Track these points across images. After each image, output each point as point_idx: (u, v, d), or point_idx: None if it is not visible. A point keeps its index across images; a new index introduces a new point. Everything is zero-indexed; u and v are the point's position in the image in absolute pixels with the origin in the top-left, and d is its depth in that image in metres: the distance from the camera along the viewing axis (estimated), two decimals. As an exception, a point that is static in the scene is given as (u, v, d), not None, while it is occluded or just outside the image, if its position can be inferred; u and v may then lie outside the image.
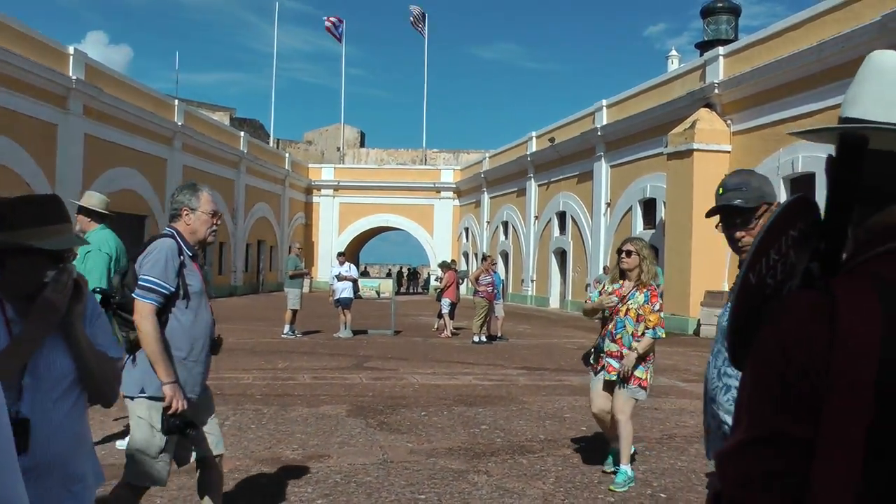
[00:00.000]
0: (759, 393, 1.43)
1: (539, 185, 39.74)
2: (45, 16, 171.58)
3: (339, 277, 21.26)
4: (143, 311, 4.50)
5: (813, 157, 20.04)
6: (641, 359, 7.19)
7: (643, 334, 7.20)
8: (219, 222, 4.96)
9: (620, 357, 7.18)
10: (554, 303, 37.85)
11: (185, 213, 4.79)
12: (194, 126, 37.35)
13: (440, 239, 54.25)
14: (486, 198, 48.31)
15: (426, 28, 62.34)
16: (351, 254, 55.46)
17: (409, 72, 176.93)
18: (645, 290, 7.31)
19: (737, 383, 1.60)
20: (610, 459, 7.60)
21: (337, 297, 21.19)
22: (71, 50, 27.40)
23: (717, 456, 1.47)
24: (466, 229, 52.81)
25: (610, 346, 7.26)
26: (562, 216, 36.77)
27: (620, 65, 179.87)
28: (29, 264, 2.87)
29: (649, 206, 28.54)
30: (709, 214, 3.76)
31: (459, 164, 57.38)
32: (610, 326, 7.31)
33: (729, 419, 3.47)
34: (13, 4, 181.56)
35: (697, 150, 23.42)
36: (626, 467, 7.17)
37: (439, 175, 55.45)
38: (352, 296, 21.40)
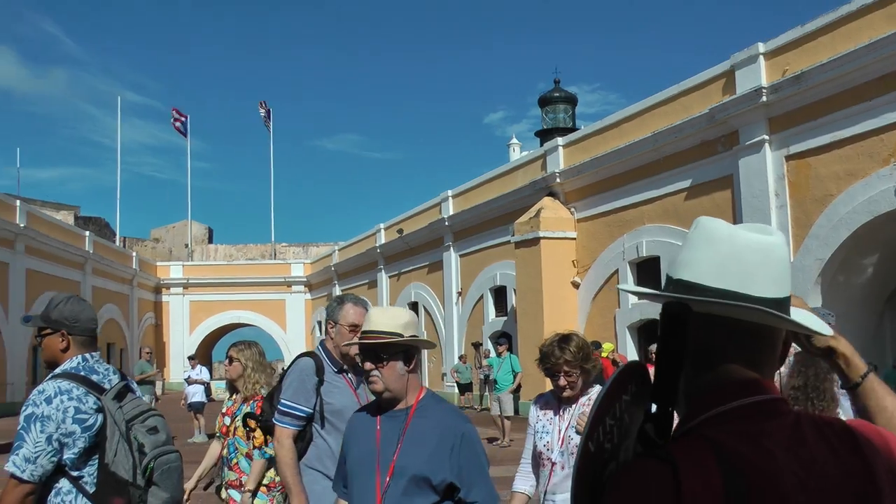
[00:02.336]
0: None
1: (390, 277, 39.74)
2: None
3: (189, 381, 20.69)
4: (279, 436, 4.54)
5: (657, 242, 20.73)
6: (263, 486, 5.83)
7: None
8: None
9: (241, 487, 5.82)
10: (410, 392, 37.32)
11: (330, 326, 4.79)
12: (37, 227, 35.85)
13: (293, 333, 53.34)
14: (337, 291, 47.87)
15: (271, 122, 62.33)
16: (204, 352, 54.01)
17: (255, 166, 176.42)
18: (251, 403, 6.01)
19: None
20: None
21: (189, 400, 20.64)
22: None
23: None
24: (319, 322, 52.07)
25: (228, 474, 5.94)
26: (414, 307, 36.64)
27: (463, 152, 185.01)
28: None
29: (500, 294, 28.79)
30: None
31: (309, 258, 56.93)
32: (223, 451, 6.07)
33: None
34: None
35: (544, 237, 23.81)
36: None
37: (289, 269, 54.82)
38: (204, 399, 20.77)
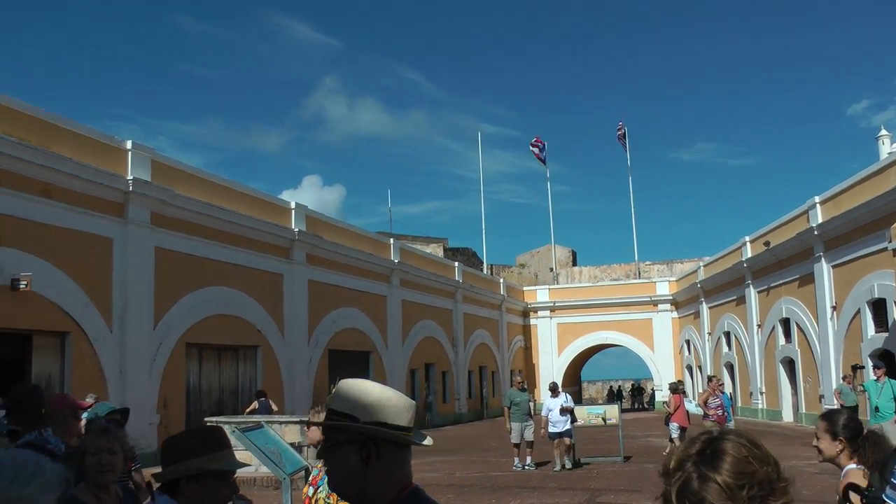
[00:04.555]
0: None
1: (758, 292, 38.35)
2: (265, 169, 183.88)
3: (563, 410, 20.90)
4: None
5: None
6: None
7: None
8: None
9: None
10: (787, 416, 35.64)
11: None
12: (410, 261, 38.69)
13: (661, 352, 53.13)
14: (704, 308, 47.08)
15: (627, 139, 62.60)
16: (572, 373, 55.29)
17: (614, 185, 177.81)
18: None
19: None
20: None
21: (559, 429, 20.73)
22: (292, 205, 29.34)
23: None
24: (687, 341, 51.45)
25: None
26: (786, 323, 35.10)
27: (827, 149, 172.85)
28: (205, 488, 3.19)
29: (879, 308, 26.77)
30: None
31: (674, 275, 56.49)
32: None
33: None
34: (236, 167, 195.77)
35: (925, 242, 22.01)
36: None
37: (654, 288, 54.66)
38: (570, 426, 21.05)
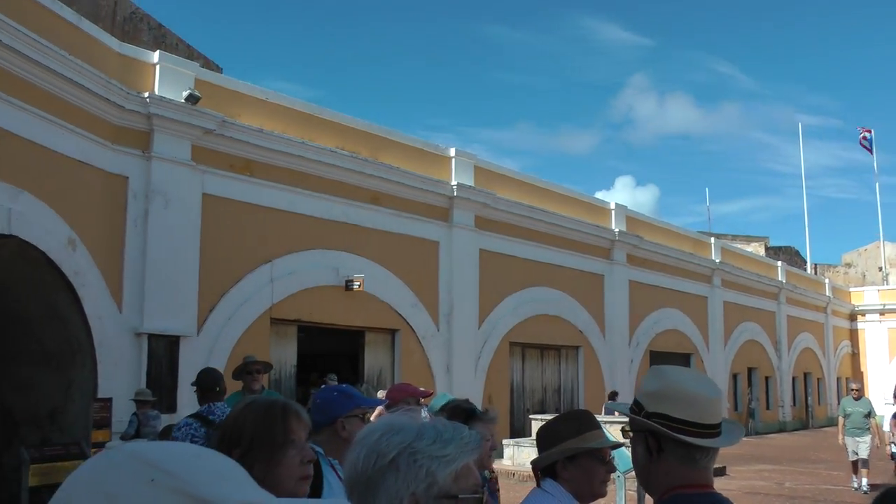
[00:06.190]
0: None
1: None
2: (577, 171, 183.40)
3: None
4: None
5: None
6: None
7: None
8: None
9: None
10: None
11: None
12: (731, 261, 36.13)
13: None
14: None
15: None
16: (905, 381, 49.74)
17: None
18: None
19: None
20: None
21: None
22: (612, 205, 28.19)
23: None
24: None
25: None
26: None
27: None
28: (581, 468, 3.20)
29: None
30: None
31: None
32: None
33: None
34: (549, 169, 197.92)
35: None
36: None
37: None
38: None
